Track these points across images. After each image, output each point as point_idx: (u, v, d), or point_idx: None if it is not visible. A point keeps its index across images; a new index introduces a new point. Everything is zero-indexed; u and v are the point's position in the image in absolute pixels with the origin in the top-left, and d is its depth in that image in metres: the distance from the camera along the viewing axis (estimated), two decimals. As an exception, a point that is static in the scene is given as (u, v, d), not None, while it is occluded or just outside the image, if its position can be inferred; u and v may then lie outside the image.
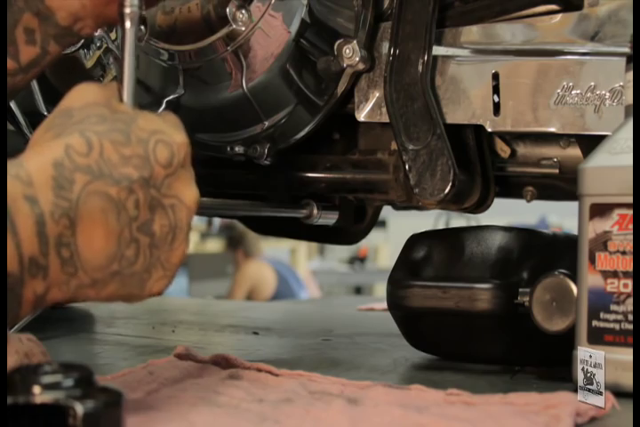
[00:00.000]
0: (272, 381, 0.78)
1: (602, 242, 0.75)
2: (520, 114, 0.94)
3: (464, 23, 0.96)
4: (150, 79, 1.09)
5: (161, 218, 0.62)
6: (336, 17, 1.02)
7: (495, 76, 0.94)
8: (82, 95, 0.63)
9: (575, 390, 0.73)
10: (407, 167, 0.95)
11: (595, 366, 0.74)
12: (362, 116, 1.02)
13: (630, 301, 0.73)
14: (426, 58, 0.94)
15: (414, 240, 0.99)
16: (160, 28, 1.03)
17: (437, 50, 0.96)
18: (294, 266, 5.97)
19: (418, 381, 0.76)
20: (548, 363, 0.90)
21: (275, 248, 6.07)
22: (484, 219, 1.20)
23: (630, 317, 0.73)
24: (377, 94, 1.00)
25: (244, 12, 0.97)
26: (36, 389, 0.52)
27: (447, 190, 0.93)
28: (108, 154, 0.60)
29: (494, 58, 0.95)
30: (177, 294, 4.11)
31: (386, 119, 0.98)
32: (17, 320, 0.59)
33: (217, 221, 5.42)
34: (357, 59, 0.98)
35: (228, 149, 1.09)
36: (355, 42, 0.98)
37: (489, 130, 0.96)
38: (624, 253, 0.74)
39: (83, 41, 1.05)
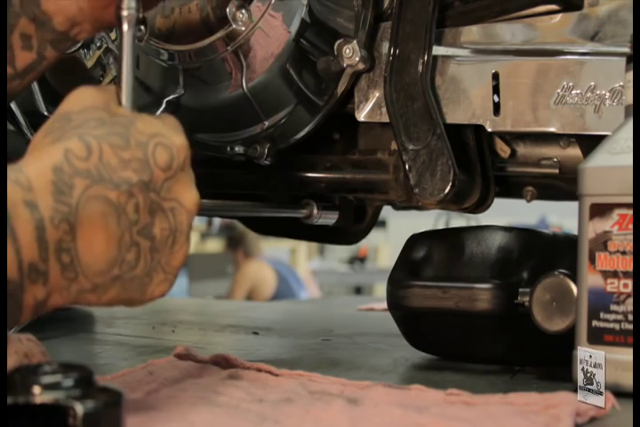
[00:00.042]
0: (272, 381, 0.78)
1: (602, 242, 0.75)
2: (520, 114, 0.94)
3: (464, 23, 0.96)
4: (150, 79, 1.09)
5: (161, 221, 0.62)
6: (336, 17, 1.02)
7: (495, 76, 0.94)
8: (80, 99, 0.63)
9: (575, 390, 0.73)
10: (407, 167, 0.95)
11: (595, 366, 0.74)
12: (362, 116, 1.02)
13: (630, 301, 0.73)
14: (426, 58, 0.95)
15: (414, 240, 0.99)
16: (159, 31, 1.03)
17: (437, 50, 0.96)
18: (294, 266, 5.97)
19: (418, 381, 0.76)
20: (547, 363, 0.90)
21: (275, 248, 6.07)
22: (484, 219, 1.20)
23: (630, 317, 0.73)
24: (377, 94, 1.00)
25: (243, 11, 0.97)
26: (36, 389, 0.52)
27: (447, 190, 0.93)
28: (107, 158, 0.60)
29: (494, 58, 0.95)
30: (177, 294, 4.11)
31: (386, 119, 0.98)
32: (17, 325, 0.59)
33: (217, 221, 5.42)
34: (357, 59, 0.98)
35: (228, 149, 1.09)
36: (355, 42, 0.98)
37: (489, 130, 0.96)
38: (624, 253, 0.74)
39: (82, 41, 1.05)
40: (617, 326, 0.74)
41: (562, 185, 1.09)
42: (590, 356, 0.74)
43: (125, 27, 0.68)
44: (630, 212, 0.74)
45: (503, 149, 1.05)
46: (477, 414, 0.66)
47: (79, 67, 1.09)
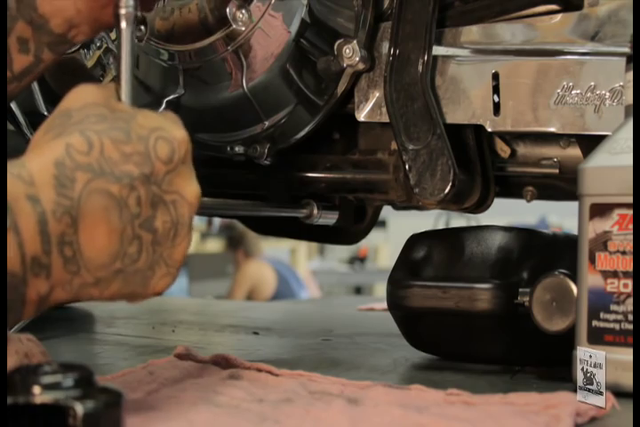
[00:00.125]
0: (272, 381, 0.78)
1: (602, 242, 0.75)
2: (520, 114, 0.94)
3: (464, 23, 0.96)
4: (150, 79, 1.09)
5: (163, 214, 0.62)
6: (336, 17, 1.02)
7: (495, 76, 0.94)
8: (80, 96, 0.63)
9: (575, 390, 0.73)
10: (407, 167, 0.95)
11: (595, 366, 0.74)
12: (362, 116, 1.02)
13: (630, 301, 0.73)
14: (426, 58, 0.95)
15: (414, 240, 0.99)
16: (159, 33, 1.03)
17: (437, 50, 0.96)
18: (294, 266, 5.97)
19: (418, 381, 0.76)
20: (548, 363, 0.90)
21: (275, 248, 6.07)
22: (484, 219, 1.20)
23: (630, 317, 0.73)
24: (377, 94, 1.00)
25: (244, 11, 0.98)
26: (36, 389, 0.52)
27: (447, 190, 0.93)
28: (108, 152, 0.60)
29: (494, 58, 0.95)
30: (177, 294, 4.11)
31: (386, 119, 0.98)
32: (19, 321, 0.59)
33: (217, 221, 5.42)
34: (357, 59, 0.98)
35: (228, 148, 1.09)
36: (355, 42, 0.98)
37: (489, 130, 0.96)
38: (624, 253, 0.74)
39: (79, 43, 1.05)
40: (617, 326, 0.74)
41: (562, 185, 1.09)
42: (590, 356, 0.74)
43: (124, 24, 0.69)
44: (630, 212, 0.74)
45: (503, 149, 1.05)
46: (477, 414, 0.66)
47: (79, 67, 1.09)
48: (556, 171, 1.04)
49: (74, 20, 0.77)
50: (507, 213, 2.61)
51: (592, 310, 0.76)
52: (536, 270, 0.88)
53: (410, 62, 0.95)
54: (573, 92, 0.90)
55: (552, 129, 0.93)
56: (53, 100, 1.13)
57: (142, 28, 1.01)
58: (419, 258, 0.96)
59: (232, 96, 1.04)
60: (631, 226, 0.73)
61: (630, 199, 0.73)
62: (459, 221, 4.23)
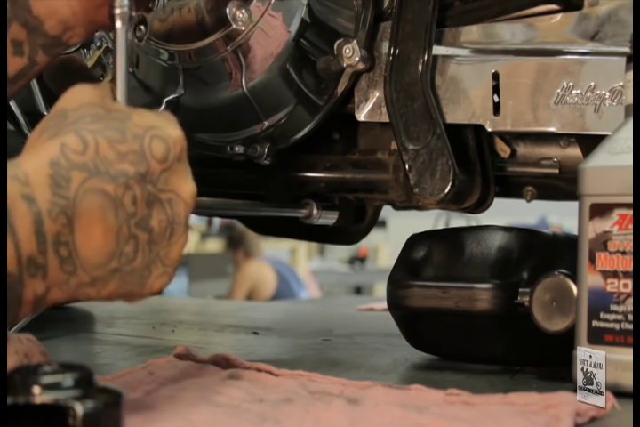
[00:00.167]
0: (272, 381, 0.78)
1: (602, 242, 0.75)
2: (520, 114, 0.94)
3: (464, 23, 0.96)
4: (150, 79, 1.09)
5: (159, 213, 0.62)
6: (336, 17, 1.02)
7: (495, 76, 0.94)
8: (76, 96, 0.63)
9: (575, 390, 0.73)
10: (407, 167, 0.95)
11: (595, 366, 0.74)
12: (362, 115, 1.02)
13: (630, 301, 0.73)
14: (426, 58, 0.94)
15: (414, 240, 0.99)
16: (159, 33, 1.03)
17: (437, 50, 0.96)
18: (294, 266, 5.97)
19: (418, 381, 0.76)
20: (548, 363, 0.90)
21: (275, 248, 6.07)
22: (484, 219, 1.20)
23: (630, 317, 0.73)
24: (377, 94, 1.00)
25: (243, 11, 0.97)
26: (36, 389, 0.52)
27: (447, 190, 0.93)
28: (103, 151, 0.60)
29: (494, 58, 0.95)
30: (177, 294, 4.11)
31: (386, 119, 0.98)
32: (16, 321, 0.59)
33: (217, 221, 5.42)
34: (357, 58, 0.98)
35: (228, 148, 1.09)
36: (355, 42, 0.98)
37: (489, 130, 0.96)
38: (624, 253, 0.74)
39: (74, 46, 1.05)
40: (617, 326, 0.74)
41: (562, 185, 1.09)
42: (590, 356, 0.74)
43: (119, 24, 0.69)
44: (630, 212, 0.74)
45: (503, 149, 1.05)
46: (477, 414, 0.66)
47: (79, 67, 1.09)
48: (556, 171, 1.04)
49: (69, 21, 0.77)
50: (507, 213, 2.61)
51: (592, 310, 0.76)
52: (536, 270, 0.88)
53: (410, 62, 0.95)
54: (573, 91, 0.90)
55: (552, 129, 0.92)
56: (53, 100, 1.13)
57: (142, 27, 1.01)
58: (419, 258, 0.96)
59: (232, 96, 1.04)
60: (631, 226, 0.73)
61: (630, 199, 0.73)
62: (459, 221, 4.23)
